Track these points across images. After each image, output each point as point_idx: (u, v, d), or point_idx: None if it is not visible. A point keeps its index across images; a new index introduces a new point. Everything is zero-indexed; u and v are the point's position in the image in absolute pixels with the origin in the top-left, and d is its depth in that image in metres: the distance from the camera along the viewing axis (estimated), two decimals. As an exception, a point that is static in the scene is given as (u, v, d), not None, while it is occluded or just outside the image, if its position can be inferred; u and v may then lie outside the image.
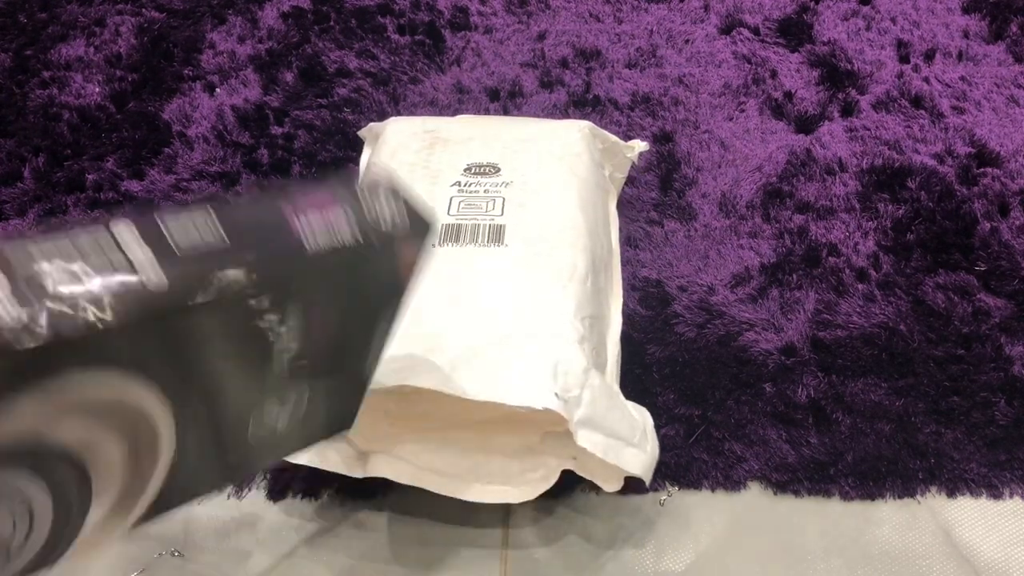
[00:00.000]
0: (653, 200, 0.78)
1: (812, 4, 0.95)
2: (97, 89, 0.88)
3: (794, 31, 0.92)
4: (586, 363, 0.55)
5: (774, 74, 0.89)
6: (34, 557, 0.37)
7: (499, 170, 0.66)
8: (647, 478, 0.54)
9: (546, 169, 0.66)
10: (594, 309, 0.60)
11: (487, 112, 0.86)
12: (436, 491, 0.58)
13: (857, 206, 0.77)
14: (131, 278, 0.33)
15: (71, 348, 0.32)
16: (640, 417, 0.57)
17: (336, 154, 0.83)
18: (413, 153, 0.68)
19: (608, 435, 0.54)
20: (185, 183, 0.80)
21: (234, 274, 0.36)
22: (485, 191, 0.64)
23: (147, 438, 0.38)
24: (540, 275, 0.59)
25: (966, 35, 0.92)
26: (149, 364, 0.36)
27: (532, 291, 0.59)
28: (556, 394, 0.53)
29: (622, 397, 0.59)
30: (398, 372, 0.53)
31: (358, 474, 0.59)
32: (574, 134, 0.70)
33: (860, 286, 0.72)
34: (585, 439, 0.53)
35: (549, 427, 0.56)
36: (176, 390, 0.38)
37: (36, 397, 0.33)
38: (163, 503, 0.41)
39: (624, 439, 0.54)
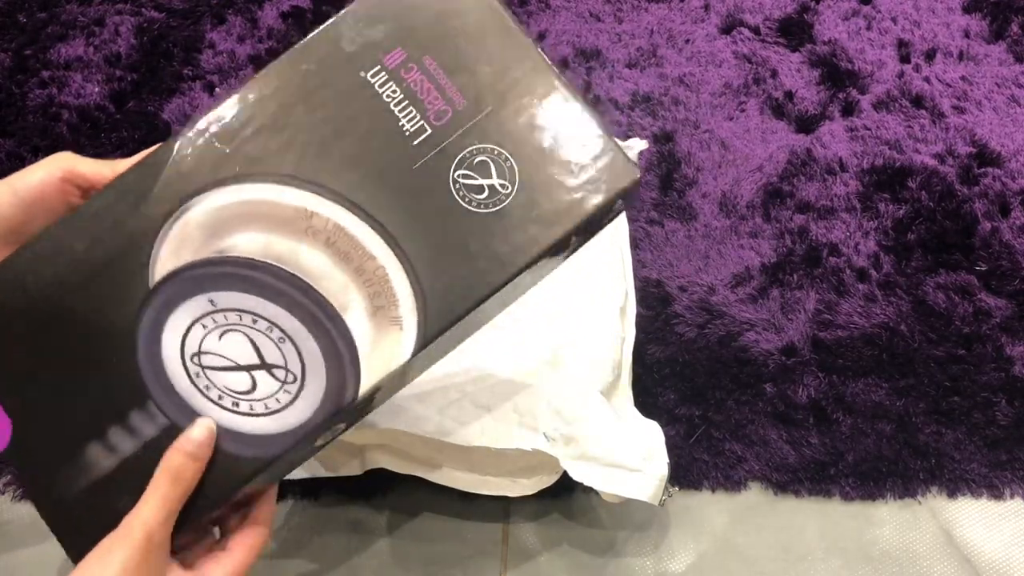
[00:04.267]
0: (653, 200, 0.78)
1: (813, 4, 0.95)
2: (96, 89, 0.88)
3: (794, 31, 0.92)
4: (580, 394, 0.56)
5: (774, 74, 0.88)
6: (329, 391, 0.40)
7: None
8: (654, 501, 0.54)
9: None
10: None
11: (487, 112, 0.86)
12: (434, 480, 0.58)
13: (858, 206, 0.77)
14: None
15: None
16: (647, 436, 0.57)
17: (336, 154, 0.83)
18: None
19: (606, 464, 0.54)
20: (185, 183, 0.80)
21: None
22: None
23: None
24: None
25: (967, 35, 0.91)
26: None
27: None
28: (544, 434, 0.53)
29: (629, 416, 0.59)
30: (390, 417, 0.55)
31: (356, 471, 0.59)
32: None
33: (861, 286, 0.72)
34: (580, 474, 0.53)
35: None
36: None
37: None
38: (441, 305, 0.41)
39: (624, 466, 0.54)
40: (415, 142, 0.41)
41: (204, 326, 0.40)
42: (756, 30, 0.93)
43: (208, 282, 0.40)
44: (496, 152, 0.42)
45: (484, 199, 0.41)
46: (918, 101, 0.85)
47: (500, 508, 0.61)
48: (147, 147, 0.45)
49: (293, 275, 0.40)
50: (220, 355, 0.40)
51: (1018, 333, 0.69)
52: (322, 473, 0.59)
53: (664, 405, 0.65)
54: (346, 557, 0.60)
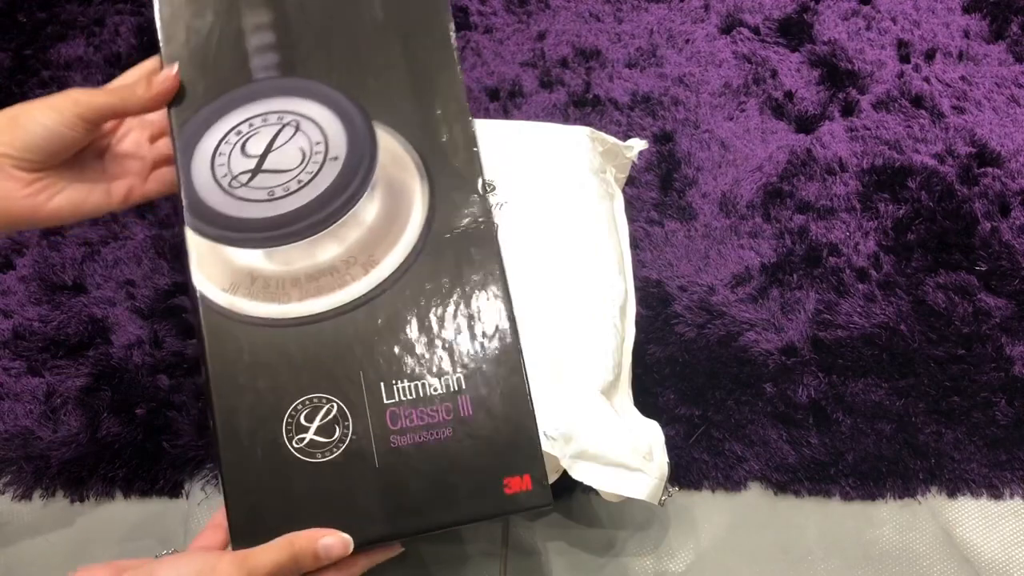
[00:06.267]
0: (653, 200, 0.78)
1: (812, 4, 0.95)
2: (96, 89, 0.88)
3: (794, 31, 0.92)
4: (580, 394, 0.55)
5: (774, 74, 0.89)
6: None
7: (494, 188, 0.65)
8: (654, 501, 0.54)
9: (544, 189, 0.66)
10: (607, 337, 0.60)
11: (487, 112, 0.86)
12: None
13: (858, 206, 0.77)
14: None
15: None
16: (647, 435, 0.57)
17: (336, 154, 0.83)
18: None
19: (607, 464, 0.54)
20: (185, 183, 0.80)
21: None
22: None
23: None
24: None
25: (966, 35, 0.92)
26: None
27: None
28: (544, 433, 0.53)
29: (629, 415, 0.59)
30: None
31: None
32: (573, 144, 0.70)
33: (861, 286, 0.72)
34: (581, 473, 0.53)
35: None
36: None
37: None
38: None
39: (625, 465, 0.54)
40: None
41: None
42: (756, 30, 0.93)
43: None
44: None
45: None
46: (918, 101, 0.85)
47: (500, 508, 0.61)
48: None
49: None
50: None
51: (1018, 333, 0.69)
52: None
53: (664, 405, 0.65)
54: (346, 557, 0.60)
